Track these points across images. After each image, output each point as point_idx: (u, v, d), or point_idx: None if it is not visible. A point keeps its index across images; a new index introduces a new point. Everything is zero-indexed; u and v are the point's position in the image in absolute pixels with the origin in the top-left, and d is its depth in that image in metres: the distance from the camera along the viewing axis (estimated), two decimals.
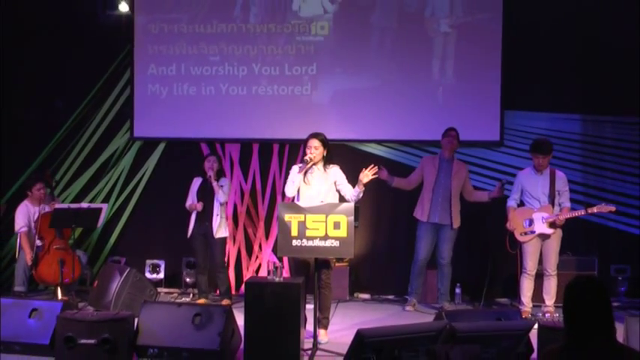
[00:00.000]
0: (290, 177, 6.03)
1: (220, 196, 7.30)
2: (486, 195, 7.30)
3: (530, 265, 6.90)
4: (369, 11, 8.16)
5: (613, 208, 6.85)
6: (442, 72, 8.14)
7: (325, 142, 6.02)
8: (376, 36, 8.18)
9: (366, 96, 8.18)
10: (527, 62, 8.05)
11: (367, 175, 5.86)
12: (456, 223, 7.29)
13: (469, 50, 8.06)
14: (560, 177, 6.99)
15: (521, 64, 8.03)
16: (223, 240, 7.53)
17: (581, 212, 6.87)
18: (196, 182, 7.50)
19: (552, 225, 6.83)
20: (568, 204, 6.93)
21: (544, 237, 6.87)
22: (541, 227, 6.84)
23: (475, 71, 8.11)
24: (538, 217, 6.85)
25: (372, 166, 5.92)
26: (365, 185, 5.90)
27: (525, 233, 6.90)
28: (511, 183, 7.23)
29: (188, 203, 7.46)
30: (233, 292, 7.90)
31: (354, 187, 5.95)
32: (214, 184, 7.27)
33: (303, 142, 6.09)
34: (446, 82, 8.16)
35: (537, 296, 6.99)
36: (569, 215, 6.83)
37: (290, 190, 5.98)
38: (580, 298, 2.84)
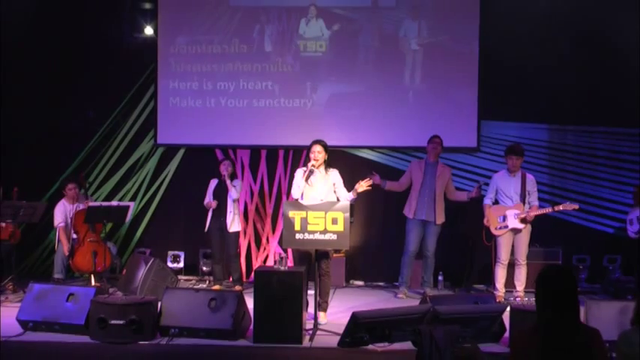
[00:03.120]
0: (295, 181, 6.02)
1: (233, 193, 7.31)
2: (465, 195, 7.28)
3: (504, 255, 6.90)
4: (356, 33, 8.28)
5: (576, 206, 6.87)
6: (418, 82, 8.24)
7: (326, 147, 6.02)
8: (362, 52, 8.30)
9: (355, 100, 8.26)
10: (501, 79, 8.07)
11: (362, 185, 5.88)
12: (440, 220, 7.26)
13: (437, 65, 8.19)
14: (530, 179, 7.01)
15: (495, 80, 8.05)
16: (237, 233, 7.53)
17: (548, 210, 6.88)
18: (213, 183, 7.50)
19: (523, 220, 6.84)
20: (537, 202, 6.94)
21: (516, 231, 6.87)
22: (513, 223, 6.85)
23: (452, 86, 8.18)
24: (511, 214, 6.86)
25: (368, 178, 5.94)
26: (358, 193, 5.92)
27: (500, 228, 6.90)
28: (487, 184, 7.25)
29: (206, 201, 7.46)
30: (244, 279, 7.90)
31: (349, 191, 5.97)
32: (228, 182, 7.28)
33: (307, 148, 6.08)
34: (424, 92, 8.24)
35: (509, 283, 7.00)
36: (538, 212, 6.84)
37: (296, 193, 5.96)
38: (552, 285, 2.84)
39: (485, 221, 6.98)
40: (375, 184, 7.12)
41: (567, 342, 2.71)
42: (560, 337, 2.72)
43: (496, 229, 6.92)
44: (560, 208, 6.84)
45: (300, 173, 6.03)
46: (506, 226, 6.87)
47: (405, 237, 7.38)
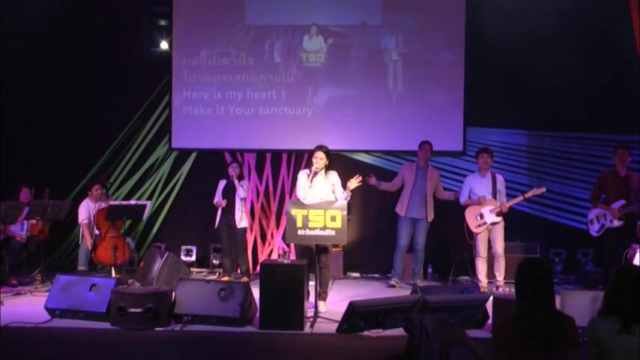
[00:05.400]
0: (300, 183, 6.01)
1: (240, 192, 7.31)
2: (453, 195, 7.32)
3: (482, 249, 6.90)
4: (348, 47, 8.37)
5: (544, 189, 6.85)
6: (409, 92, 8.27)
7: (328, 153, 6.03)
8: (354, 63, 8.37)
9: (350, 103, 8.31)
10: (485, 89, 8.09)
11: (353, 182, 5.88)
12: (430, 217, 7.29)
13: (426, 77, 8.24)
14: (499, 179, 7.02)
15: (480, 90, 8.08)
16: (244, 230, 7.54)
17: (519, 198, 6.89)
18: (222, 183, 7.50)
19: (499, 214, 6.84)
20: (505, 199, 6.95)
21: (493, 225, 6.86)
22: (491, 218, 6.85)
23: (441, 96, 8.21)
24: (486, 211, 6.86)
25: (357, 175, 5.95)
26: (352, 190, 5.93)
27: (479, 225, 6.90)
28: None
29: (215, 200, 7.46)
30: (251, 271, 7.90)
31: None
32: (236, 182, 7.29)
33: (311, 152, 6.09)
34: (416, 101, 8.27)
35: (490, 274, 6.99)
36: (511, 203, 6.85)
37: (301, 194, 5.96)
38: (529, 275, 2.85)
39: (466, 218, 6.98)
40: (372, 184, 7.16)
41: (544, 328, 2.73)
42: (537, 324, 2.74)
43: (476, 227, 6.92)
44: (530, 194, 6.81)
45: (303, 175, 6.03)
46: (485, 223, 6.87)
47: (397, 233, 7.39)
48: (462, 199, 7.05)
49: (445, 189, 7.57)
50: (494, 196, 6.89)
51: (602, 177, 6.89)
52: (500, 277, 6.89)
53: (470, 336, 2.99)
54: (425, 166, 7.37)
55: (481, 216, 6.87)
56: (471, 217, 6.93)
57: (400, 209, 7.35)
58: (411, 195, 7.28)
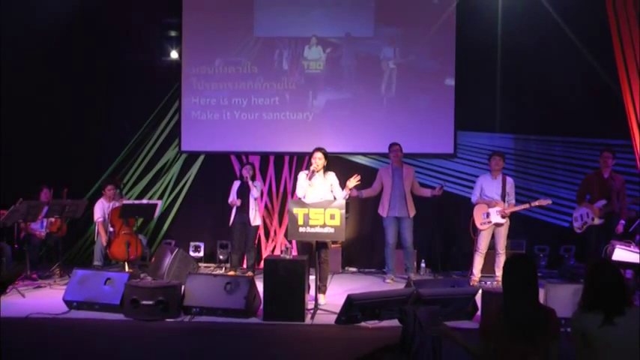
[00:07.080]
0: (299, 182, 6.03)
1: (254, 192, 7.30)
2: (429, 192, 7.27)
3: (483, 245, 6.90)
4: (345, 55, 8.39)
5: (549, 201, 6.91)
6: (403, 98, 8.28)
7: (326, 154, 6.04)
8: (351, 69, 8.41)
9: (347, 106, 8.35)
10: (474, 95, 8.10)
11: (352, 181, 5.90)
12: (412, 213, 7.25)
13: (419, 85, 8.26)
14: (509, 182, 7.00)
15: (469, 96, 8.09)
16: (257, 227, 7.54)
17: (526, 206, 6.89)
18: (236, 184, 7.49)
19: (504, 216, 6.84)
20: (514, 202, 6.95)
21: (497, 225, 6.86)
22: (496, 218, 6.83)
23: (433, 102, 8.22)
24: (493, 211, 6.86)
25: (356, 175, 5.96)
26: (350, 190, 5.94)
27: (484, 223, 6.90)
28: (447, 182, 7.28)
29: (230, 200, 7.43)
30: (255, 266, 7.90)
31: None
32: (250, 183, 7.28)
33: (310, 154, 6.11)
34: (409, 107, 8.27)
35: (490, 269, 6.98)
36: (517, 208, 6.86)
37: (300, 193, 5.98)
38: (514, 270, 2.87)
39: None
40: (354, 196, 7.15)
41: (528, 319, 2.74)
42: (522, 316, 2.75)
43: (481, 224, 6.91)
44: (536, 203, 6.84)
45: (302, 176, 6.05)
46: (490, 222, 6.86)
47: (384, 232, 7.38)
48: (474, 199, 7.04)
49: (422, 185, 7.56)
50: (503, 197, 6.89)
51: (587, 178, 6.97)
52: (499, 272, 6.88)
53: (459, 327, 3.01)
54: (399, 166, 7.36)
55: (487, 215, 6.87)
56: (478, 214, 6.94)
57: (382, 211, 7.34)
58: (391, 196, 7.26)
